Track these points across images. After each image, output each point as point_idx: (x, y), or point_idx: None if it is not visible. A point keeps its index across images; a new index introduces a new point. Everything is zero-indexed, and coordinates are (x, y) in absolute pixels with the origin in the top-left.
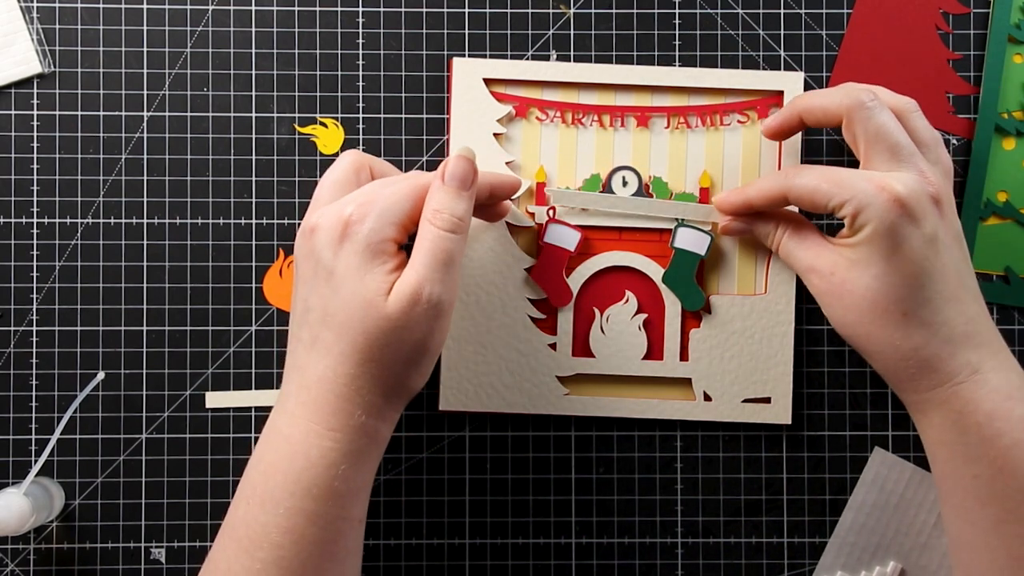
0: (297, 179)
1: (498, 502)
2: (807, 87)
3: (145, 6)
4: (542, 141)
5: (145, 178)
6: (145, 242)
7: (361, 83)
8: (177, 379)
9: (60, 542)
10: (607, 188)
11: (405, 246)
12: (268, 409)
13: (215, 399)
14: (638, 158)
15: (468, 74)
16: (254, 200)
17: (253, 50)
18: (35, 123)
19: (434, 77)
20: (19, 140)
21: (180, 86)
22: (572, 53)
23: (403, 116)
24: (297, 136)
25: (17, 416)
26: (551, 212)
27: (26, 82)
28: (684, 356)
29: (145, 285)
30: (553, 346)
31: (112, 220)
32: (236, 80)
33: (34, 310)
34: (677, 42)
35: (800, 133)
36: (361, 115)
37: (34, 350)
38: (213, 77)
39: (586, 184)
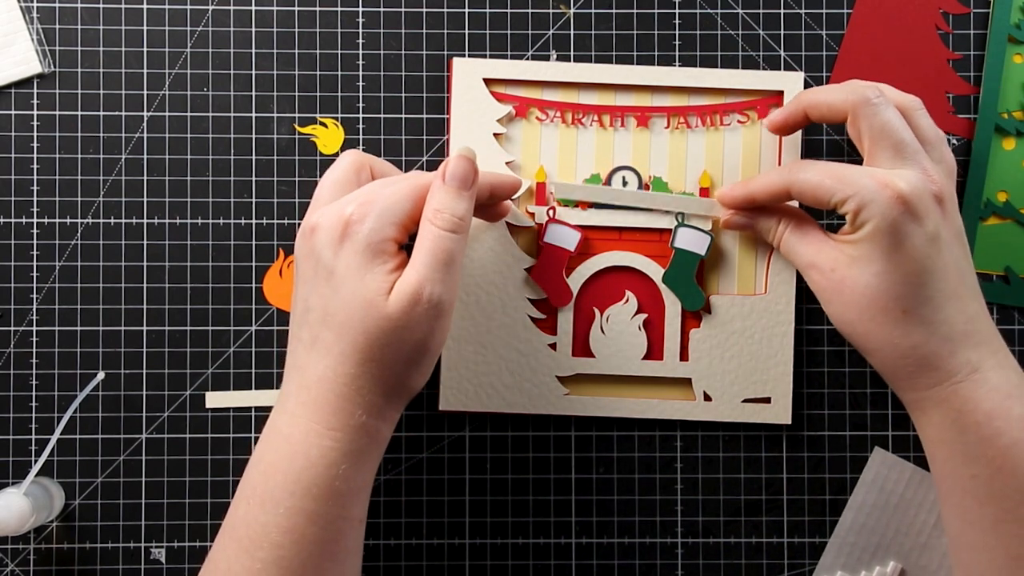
0: (297, 179)
1: (498, 502)
2: (807, 87)
3: (145, 6)
4: (542, 141)
5: (145, 178)
6: (145, 242)
7: (361, 83)
8: (177, 379)
9: (60, 542)
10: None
11: (406, 246)
12: (268, 409)
13: (215, 399)
14: (638, 158)
15: (468, 74)
16: (254, 200)
17: (253, 50)
18: (35, 123)
19: (434, 77)
20: (19, 140)
21: (180, 86)
22: (572, 53)
23: (403, 116)
24: (297, 136)
25: (17, 416)
26: (551, 212)
27: (26, 82)
28: (684, 356)
29: (145, 285)
30: (553, 346)
31: (112, 220)
32: (236, 80)
33: (34, 310)
34: (677, 42)
35: (800, 133)
36: (361, 115)
37: (34, 350)
38: (213, 77)
39: (586, 184)
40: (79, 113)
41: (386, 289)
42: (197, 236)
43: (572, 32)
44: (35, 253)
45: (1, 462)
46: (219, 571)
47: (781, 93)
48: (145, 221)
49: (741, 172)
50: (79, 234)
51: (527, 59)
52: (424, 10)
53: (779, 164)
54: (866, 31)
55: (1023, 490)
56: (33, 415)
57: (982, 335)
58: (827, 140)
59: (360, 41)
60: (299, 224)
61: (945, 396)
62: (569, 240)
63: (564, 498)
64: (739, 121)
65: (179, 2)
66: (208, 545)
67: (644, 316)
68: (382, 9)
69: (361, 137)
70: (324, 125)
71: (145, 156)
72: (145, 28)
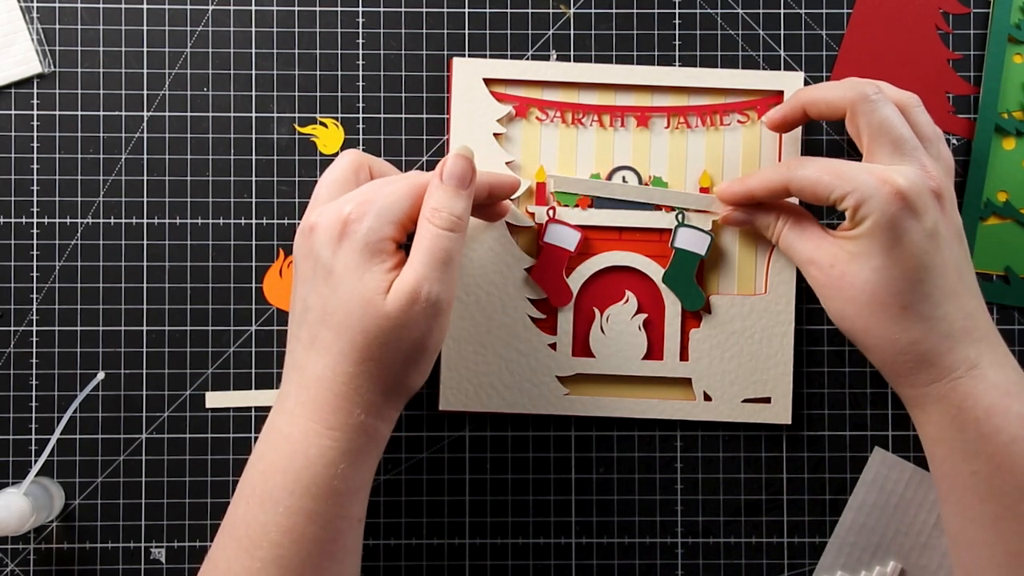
0: (297, 179)
1: (498, 502)
2: None
3: (145, 6)
4: (542, 141)
5: (145, 178)
6: (145, 242)
7: (361, 83)
8: (177, 379)
9: (60, 542)
10: None
11: (404, 245)
12: (268, 409)
13: (215, 399)
14: (638, 158)
15: (468, 74)
16: (254, 200)
17: (253, 50)
18: (35, 123)
19: (434, 77)
20: (19, 140)
21: (180, 86)
22: (572, 53)
23: (403, 116)
24: (297, 136)
25: (17, 416)
26: (551, 212)
27: (26, 82)
28: (684, 356)
29: (145, 285)
30: (553, 346)
31: (112, 220)
32: (236, 80)
33: (34, 310)
34: (677, 42)
35: (800, 133)
36: (361, 115)
37: (34, 350)
38: (213, 77)
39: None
40: (79, 113)
41: (384, 288)
42: (197, 236)
43: (572, 32)
44: (35, 253)
45: (1, 462)
46: (219, 570)
47: (781, 93)
48: (145, 221)
49: (741, 172)
50: (79, 234)
51: (527, 59)
52: (424, 10)
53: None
54: (866, 31)
55: (1022, 487)
56: (33, 415)
57: (981, 332)
58: (827, 140)
59: (360, 41)
60: (299, 224)
61: (944, 393)
62: (569, 240)
63: (564, 498)
64: (739, 121)
65: (179, 2)
66: (208, 545)
67: (644, 316)
68: (382, 9)
69: (361, 137)
70: (324, 125)
71: (145, 156)
72: (145, 28)
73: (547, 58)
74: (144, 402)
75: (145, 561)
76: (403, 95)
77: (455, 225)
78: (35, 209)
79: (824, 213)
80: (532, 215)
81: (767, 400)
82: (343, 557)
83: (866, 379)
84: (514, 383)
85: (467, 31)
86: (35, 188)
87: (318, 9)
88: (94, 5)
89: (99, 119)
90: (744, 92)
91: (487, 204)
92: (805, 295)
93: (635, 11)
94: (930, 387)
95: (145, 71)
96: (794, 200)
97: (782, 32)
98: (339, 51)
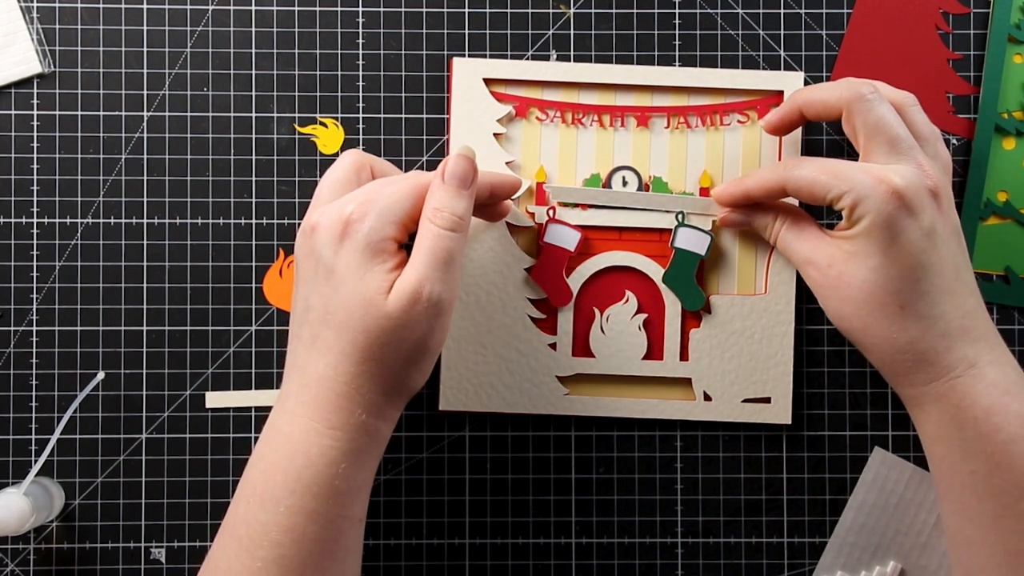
0: (297, 179)
1: (498, 502)
2: None
3: (145, 6)
4: (542, 141)
5: (145, 178)
6: (145, 242)
7: (361, 83)
8: (177, 379)
9: (60, 542)
10: (607, 188)
11: (406, 245)
12: (268, 409)
13: (215, 399)
14: (638, 158)
15: (468, 74)
16: (254, 200)
17: (253, 50)
18: (35, 123)
19: (434, 77)
20: (19, 140)
21: (180, 86)
22: (572, 53)
23: (403, 116)
24: (297, 136)
25: (17, 416)
26: (551, 212)
27: (26, 82)
28: (684, 356)
29: (145, 285)
30: (553, 346)
31: (112, 220)
32: (236, 80)
33: (34, 310)
34: (677, 42)
35: (800, 133)
36: (361, 115)
37: (34, 350)
38: (213, 77)
39: (586, 184)
40: (79, 113)
41: (386, 288)
42: (197, 236)
43: (572, 32)
44: (35, 253)
45: (1, 462)
46: (219, 570)
47: (781, 93)
48: (145, 221)
49: (741, 172)
50: (79, 234)
51: (527, 59)
52: (424, 10)
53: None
54: (866, 31)
55: (1021, 486)
56: (33, 415)
57: (979, 331)
58: (827, 140)
59: (360, 41)
60: (299, 224)
61: (943, 392)
62: (569, 240)
63: (564, 498)
64: (739, 121)
65: (179, 2)
66: (208, 545)
67: (644, 316)
68: (382, 9)
69: (361, 137)
70: (324, 125)
71: (145, 156)
72: (145, 28)
73: (547, 58)
74: (144, 402)
75: (145, 561)
76: (403, 95)
77: (457, 225)
78: (35, 209)
79: (824, 213)
80: (532, 215)
81: (767, 400)
82: (344, 557)
83: (866, 379)
84: (514, 383)
85: (467, 31)
86: (35, 188)
87: (318, 9)
88: (94, 5)
89: (99, 119)
90: (744, 92)
91: (488, 204)
92: (805, 295)
93: (635, 11)
94: (929, 386)
95: (145, 71)
96: (792, 200)
97: (782, 32)
98: (339, 51)
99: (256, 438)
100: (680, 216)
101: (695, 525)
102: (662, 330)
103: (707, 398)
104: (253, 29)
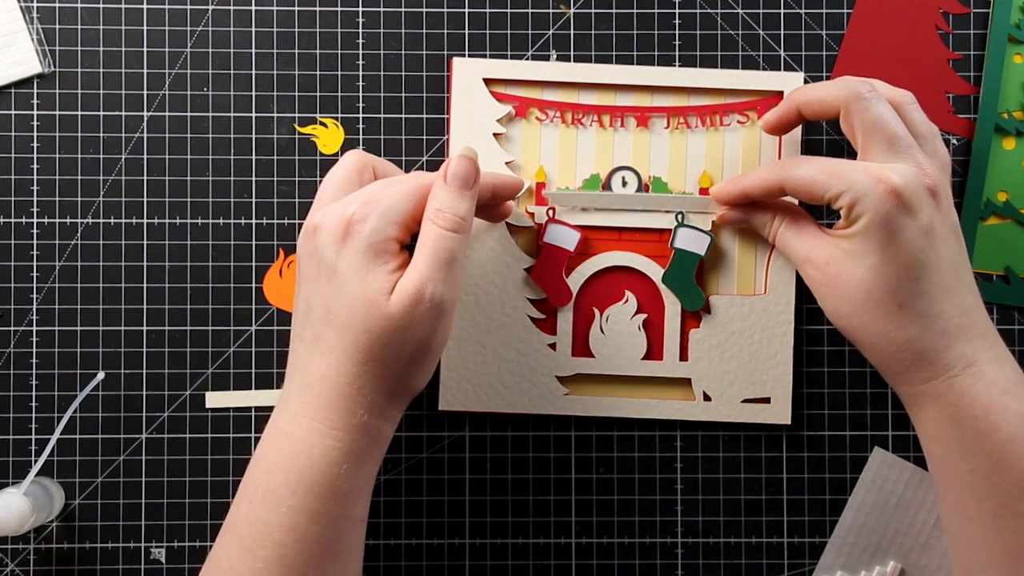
0: (297, 179)
1: (498, 502)
2: None
3: (145, 6)
4: (542, 141)
5: (145, 178)
6: (145, 242)
7: (361, 83)
8: (177, 379)
9: (60, 542)
10: (607, 188)
11: (408, 246)
12: (268, 409)
13: (215, 399)
14: (638, 158)
15: (468, 74)
16: (254, 200)
17: (253, 50)
18: (35, 123)
19: (434, 77)
20: (19, 140)
21: (180, 86)
22: (572, 53)
23: (403, 116)
24: (297, 136)
25: (17, 416)
26: (551, 212)
27: (26, 82)
28: (684, 356)
29: (145, 285)
30: (553, 346)
31: (112, 220)
32: (236, 80)
33: (34, 310)
34: (677, 42)
35: (800, 133)
36: (361, 115)
37: (34, 350)
38: (213, 77)
39: (586, 184)
40: (79, 113)
41: (388, 289)
42: (197, 236)
43: (572, 32)
44: (35, 253)
45: (1, 462)
46: (221, 570)
47: (781, 93)
48: (145, 221)
49: (740, 172)
50: (79, 234)
51: (527, 59)
52: (424, 10)
53: None
54: (866, 31)
55: (1021, 485)
56: (33, 415)
57: (978, 329)
58: (827, 140)
59: (360, 41)
60: (299, 224)
61: (941, 390)
62: (569, 240)
63: (564, 498)
64: (739, 121)
65: (179, 2)
66: (208, 545)
67: (644, 316)
68: (382, 9)
69: (361, 137)
70: (324, 125)
71: (145, 156)
72: (145, 28)
73: (547, 58)
74: (144, 402)
75: (145, 561)
76: (403, 95)
77: (459, 226)
78: (35, 209)
79: (823, 212)
80: (532, 215)
81: (767, 400)
82: (346, 557)
83: (866, 379)
84: (514, 383)
85: (467, 31)
86: (35, 188)
87: (318, 9)
88: (94, 5)
89: (99, 119)
90: (744, 92)
91: (490, 205)
92: (805, 295)
93: (635, 11)
94: (927, 385)
95: (145, 71)
96: (791, 199)
97: (782, 32)
98: (339, 51)
99: (256, 438)
100: (680, 216)
101: (695, 525)
102: (662, 330)
103: (707, 398)
104: (253, 29)
